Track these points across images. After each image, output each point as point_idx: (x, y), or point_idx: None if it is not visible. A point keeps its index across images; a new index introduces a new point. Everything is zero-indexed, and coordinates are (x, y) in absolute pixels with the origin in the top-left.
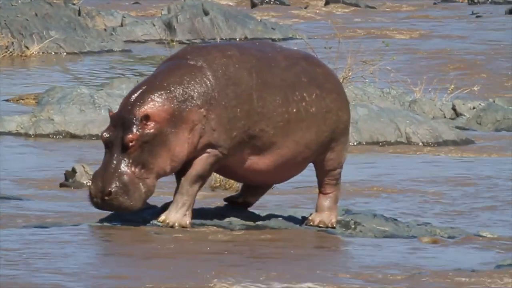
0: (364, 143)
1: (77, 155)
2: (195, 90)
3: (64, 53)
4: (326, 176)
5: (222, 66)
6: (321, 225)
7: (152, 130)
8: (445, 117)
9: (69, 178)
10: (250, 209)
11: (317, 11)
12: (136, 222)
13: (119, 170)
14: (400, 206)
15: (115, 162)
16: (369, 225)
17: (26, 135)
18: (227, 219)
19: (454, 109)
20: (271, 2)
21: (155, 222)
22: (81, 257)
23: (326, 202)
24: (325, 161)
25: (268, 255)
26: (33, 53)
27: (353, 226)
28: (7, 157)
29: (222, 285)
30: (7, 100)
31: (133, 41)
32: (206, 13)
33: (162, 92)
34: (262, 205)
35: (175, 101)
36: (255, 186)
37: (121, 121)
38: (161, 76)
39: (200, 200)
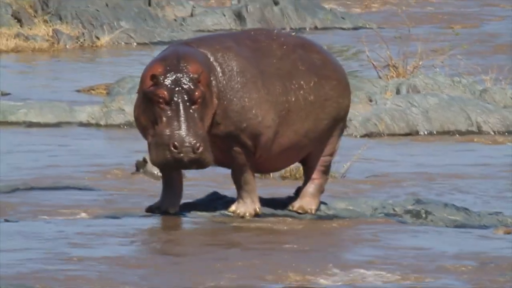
0: (434, 132)
1: None
2: (211, 76)
3: (135, 44)
4: (318, 162)
5: (224, 58)
6: (300, 211)
7: (203, 89)
8: None
9: (140, 168)
10: (322, 199)
11: (388, 0)
12: (208, 212)
13: (197, 125)
14: (471, 195)
15: (189, 118)
16: (440, 214)
17: (97, 125)
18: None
19: None
20: None
21: (225, 212)
22: (148, 248)
23: (310, 188)
24: (322, 147)
25: (337, 245)
26: (103, 43)
27: (424, 216)
28: (78, 147)
29: (297, 277)
30: (78, 91)
31: (203, 31)
32: (276, 3)
33: (198, 62)
34: (333, 194)
35: (206, 72)
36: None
37: (175, 79)
38: (186, 51)
39: (268, 190)
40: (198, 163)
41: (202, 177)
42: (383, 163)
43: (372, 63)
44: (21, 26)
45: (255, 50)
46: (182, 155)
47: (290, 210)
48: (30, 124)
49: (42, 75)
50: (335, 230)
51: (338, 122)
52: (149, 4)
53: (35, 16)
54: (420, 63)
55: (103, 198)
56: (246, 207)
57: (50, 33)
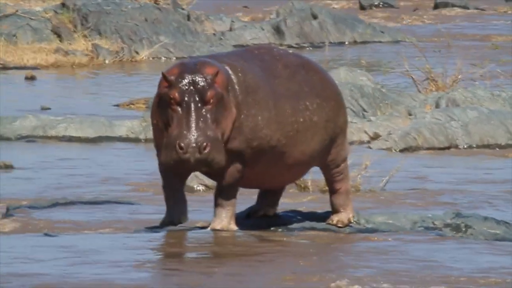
0: (474, 146)
1: None
2: (229, 86)
3: (174, 58)
4: (332, 174)
5: (241, 73)
6: (339, 225)
7: (219, 90)
8: None
9: None
10: (362, 212)
11: (426, 14)
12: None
13: (207, 126)
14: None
15: (199, 118)
16: (480, 228)
17: (137, 140)
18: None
19: None
20: (380, 6)
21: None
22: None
23: (339, 200)
24: (327, 162)
25: (376, 258)
26: (143, 58)
27: (464, 229)
28: (117, 162)
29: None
30: (117, 105)
31: (242, 46)
32: (314, 17)
33: (215, 64)
34: (372, 208)
35: (225, 75)
36: (272, 198)
37: (189, 80)
38: (205, 58)
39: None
40: (206, 164)
41: None
42: (422, 177)
43: (412, 77)
44: (60, 41)
45: (264, 69)
46: (188, 155)
47: (330, 224)
48: (70, 139)
49: (81, 90)
50: (373, 242)
51: (336, 139)
52: (188, 19)
53: (74, 31)
54: (459, 76)
55: (143, 213)
56: (223, 222)
57: (90, 48)
